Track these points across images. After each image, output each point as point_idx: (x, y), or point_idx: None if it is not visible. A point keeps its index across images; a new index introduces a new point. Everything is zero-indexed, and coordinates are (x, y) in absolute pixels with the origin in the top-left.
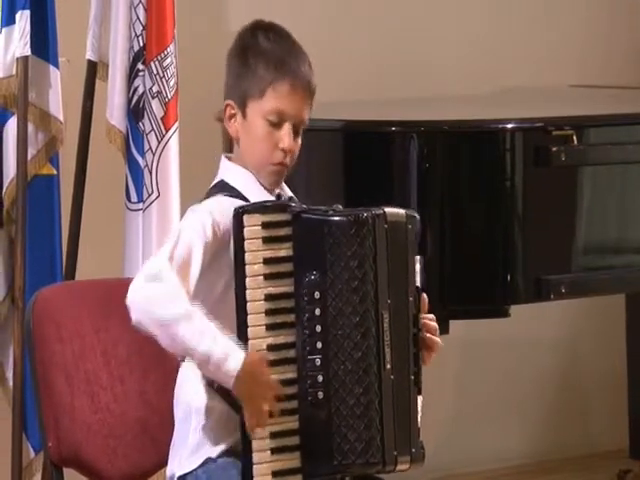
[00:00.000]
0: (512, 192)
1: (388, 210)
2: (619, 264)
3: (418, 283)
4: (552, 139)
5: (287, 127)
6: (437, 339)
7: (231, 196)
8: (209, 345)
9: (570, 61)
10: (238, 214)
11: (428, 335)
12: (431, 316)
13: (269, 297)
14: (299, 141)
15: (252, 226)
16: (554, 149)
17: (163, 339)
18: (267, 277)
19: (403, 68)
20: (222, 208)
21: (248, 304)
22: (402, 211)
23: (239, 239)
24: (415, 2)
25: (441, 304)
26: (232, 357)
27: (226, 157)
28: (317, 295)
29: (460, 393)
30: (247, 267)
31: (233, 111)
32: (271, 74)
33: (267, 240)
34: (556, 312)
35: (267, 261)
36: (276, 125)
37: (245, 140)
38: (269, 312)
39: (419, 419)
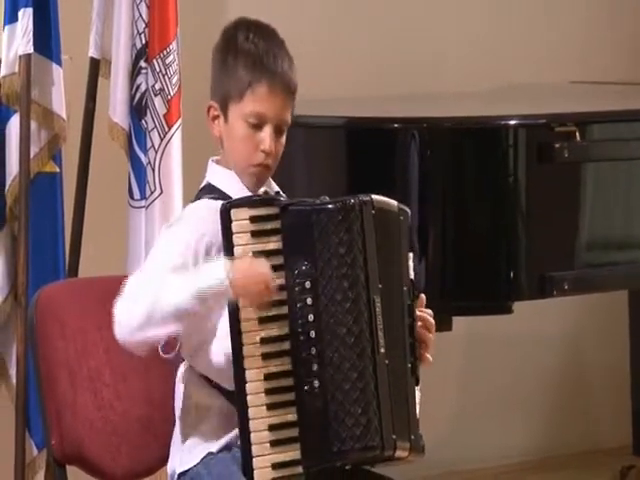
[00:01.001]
0: (515, 189)
1: (375, 197)
2: (622, 260)
3: (412, 276)
4: (555, 135)
5: (268, 129)
6: (430, 335)
7: (217, 198)
8: (190, 292)
9: (572, 58)
10: (226, 209)
11: (422, 330)
12: (429, 311)
13: None
14: (282, 141)
15: (240, 220)
16: (557, 145)
17: (160, 332)
18: None
19: (404, 67)
20: (210, 213)
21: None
22: (394, 201)
23: (227, 233)
24: (416, 0)
25: (444, 301)
26: (215, 273)
27: (214, 160)
28: (308, 285)
29: (463, 390)
30: None
31: (216, 112)
32: (249, 76)
33: (256, 234)
34: (559, 309)
35: (256, 255)
36: (257, 127)
37: (227, 142)
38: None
39: (418, 410)
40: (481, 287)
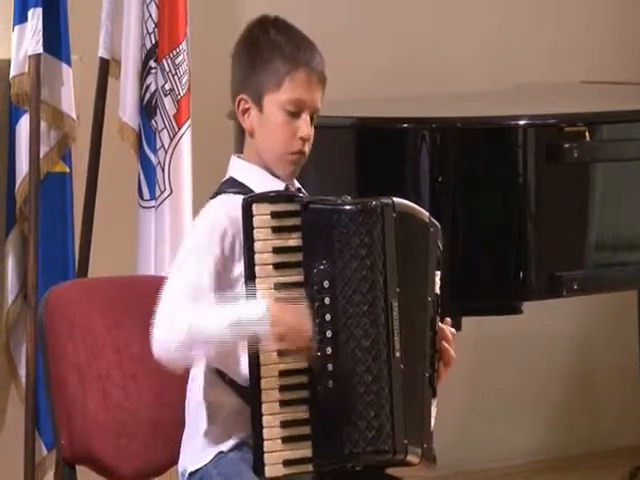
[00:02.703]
0: (525, 189)
1: (398, 200)
2: (632, 260)
3: (437, 291)
4: (564, 136)
5: (305, 116)
6: (453, 354)
7: (238, 193)
8: (228, 327)
9: (582, 58)
10: (247, 203)
11: (447, 347)
12: (452, 330)
13: (278, 286)
14: (313, 130)
15: (261, 215)
16: (566, 146)
17: (197, 355)
18: (276, 266)
19: (414, 67)
20: (230, 206)
21: (257, 293)
22: (424, 211)
23: (248, 228)
24: (425, 1)
25: (454, 301)
26: (255, 312)
27: (236, 156)
28: (326, 284)
29: (472, 390)
30: (256, 256)
31: (247, 105)
32: (287, 66)
33: (276, 230)
34: (569, 309)
35: (276, 250)
36: (294, 114)
37: (262, 133)
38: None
39: (432, 422)
40: (491, 287)
